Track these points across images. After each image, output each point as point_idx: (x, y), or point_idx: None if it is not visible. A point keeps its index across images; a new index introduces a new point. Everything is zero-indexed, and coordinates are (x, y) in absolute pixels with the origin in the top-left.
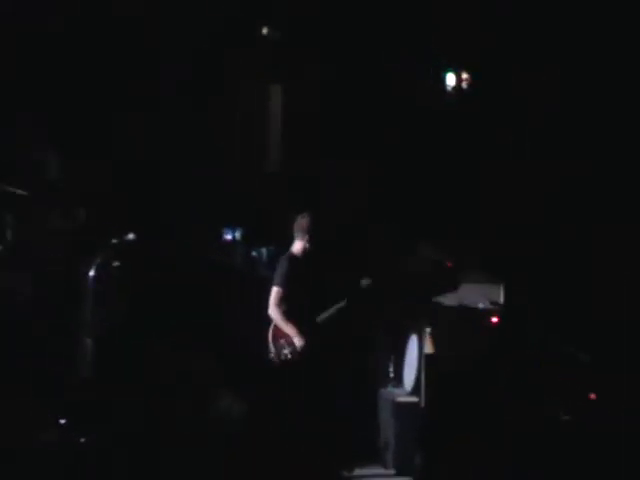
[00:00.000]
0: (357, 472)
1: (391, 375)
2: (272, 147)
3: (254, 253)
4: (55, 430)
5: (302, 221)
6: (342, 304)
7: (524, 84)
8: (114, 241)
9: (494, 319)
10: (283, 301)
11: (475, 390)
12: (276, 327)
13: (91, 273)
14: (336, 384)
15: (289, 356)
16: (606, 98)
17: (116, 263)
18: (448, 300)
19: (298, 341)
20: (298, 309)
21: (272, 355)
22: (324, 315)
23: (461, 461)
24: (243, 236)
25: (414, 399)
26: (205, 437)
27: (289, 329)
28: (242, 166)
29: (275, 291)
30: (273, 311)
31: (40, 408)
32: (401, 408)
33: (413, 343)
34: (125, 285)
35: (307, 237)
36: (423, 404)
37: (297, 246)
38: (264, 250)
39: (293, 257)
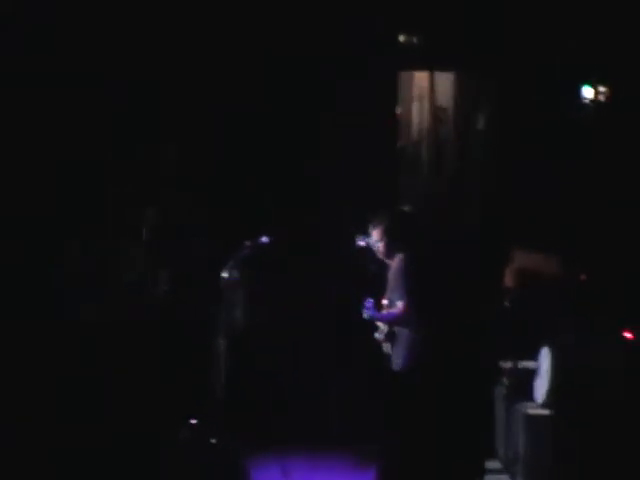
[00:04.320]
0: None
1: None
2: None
3: None
4: (187, 430)
5: None
6: None
7: None
8: (248, 243)
9: (628, 334)
10: None
11: (610, 405)
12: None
13: (224, 274)
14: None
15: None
16: None
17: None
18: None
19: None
20: None
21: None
22: None
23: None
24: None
25: (545, 412)
26: None
27: None
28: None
29: None
30: None
31: (175, 407)
32: (532, 421)
33: (545, 355)
34: (257, 287)
35: None
36: (555, 417)
37: None
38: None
39: None
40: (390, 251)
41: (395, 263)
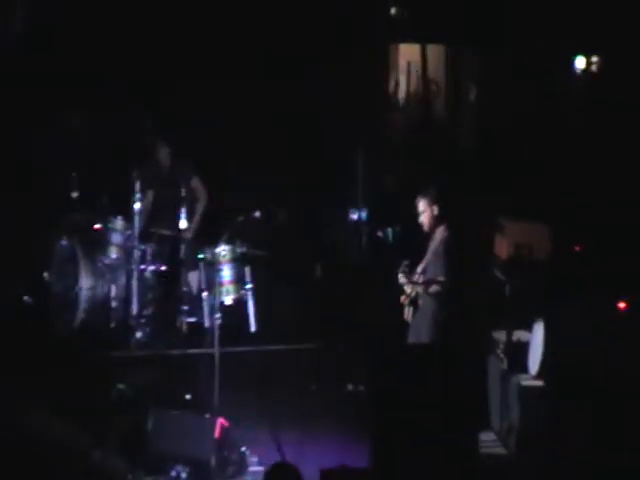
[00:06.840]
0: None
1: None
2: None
3: (379, 233)
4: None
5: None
6: None
7: None
8: (240, 218)
9: (622, 305)
10: None
11: (603, 375)
12: None
13: (217, 249)
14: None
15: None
16: None
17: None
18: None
19: None
20: None
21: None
22: None
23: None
24: (369, 216)
25: (539, 383)
26: None
27: None
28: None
29: None
30: None
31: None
32: (526, 392)
33: (539, 327)
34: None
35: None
36: (548, 388)
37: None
38: (389, 230)
39: None
40: (434, 223)
41: (438, 235)
